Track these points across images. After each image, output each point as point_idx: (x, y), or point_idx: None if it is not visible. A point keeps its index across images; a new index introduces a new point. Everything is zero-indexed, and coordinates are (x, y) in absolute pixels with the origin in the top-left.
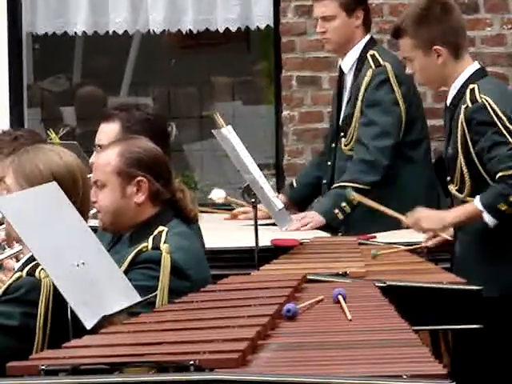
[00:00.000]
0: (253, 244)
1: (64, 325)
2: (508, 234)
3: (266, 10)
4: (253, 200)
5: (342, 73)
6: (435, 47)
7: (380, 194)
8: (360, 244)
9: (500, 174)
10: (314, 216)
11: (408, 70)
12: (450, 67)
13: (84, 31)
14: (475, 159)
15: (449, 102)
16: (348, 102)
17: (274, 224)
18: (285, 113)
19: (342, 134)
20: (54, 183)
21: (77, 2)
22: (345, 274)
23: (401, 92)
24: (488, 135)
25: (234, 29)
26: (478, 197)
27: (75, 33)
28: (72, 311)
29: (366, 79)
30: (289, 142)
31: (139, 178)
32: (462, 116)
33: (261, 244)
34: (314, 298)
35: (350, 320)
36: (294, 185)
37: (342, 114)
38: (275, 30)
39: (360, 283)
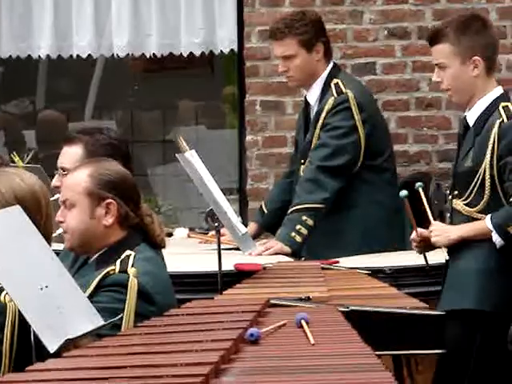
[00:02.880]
0: (216, 268)
1: (28, 348)
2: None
3: (230, 35)
4: (216, 224)
5: (307, 103)
6: (475, 58)
7: (342, 217)
8: (323, 269)
9: None
10: (275, 242)
11: (435, 78)
12: (481, 82)
13: (48, 55)
14: (495, 174)
15: (473, 118)
16: (310, 130)
17: (237, 248)
18: (248, 137)
19: (303, 160)
20: (18, 207)
21: (41, 26)
22: (308, 299)
23: (361, 118)
24: None
25: (197, 53)
26: (489, 216)
27: (39, 56)
28: (35, 335)
29: (327, 107)
30: (252, 166)
31: (109, 201)
32: (495, 130)
33: (224, 268)
34: (277, 322)
35: (313, 344)
36: (265, 210)
37: (305, 141)
38: (239, 54)
39: (323, 308)
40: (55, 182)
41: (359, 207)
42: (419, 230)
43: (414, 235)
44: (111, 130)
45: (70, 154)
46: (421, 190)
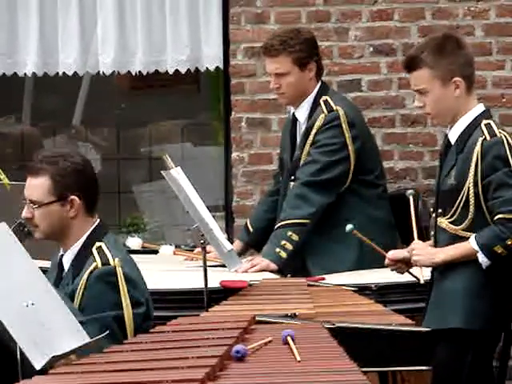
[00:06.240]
0: (202, 285)
1: (14, 365)
2: (495, 271)
3: (216, 52)
4: (202, 241)
5: (295, 121)
6: (455, 79)
7: (336, 232)
8: (309, 285)
9: (500, 215)
10: (261, 259)
11: (416, 103)
12: (462, 101)
13: (34, 72)
14: (480, 192)
15: (455, 136)
16: (299, 147)
17: (223, 265)
18: (234, 154)
19: (292, 177)
20: (3, 223)
21: (27, 43)
22: (294, 316)
23: (352, 135)
24: (499, 173)
25: (183, 70)
26: (473, 236)
27: (25, 74)
28: (21, 351)
29: (318, 123)
30: (238, 183)
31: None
32: (478, 148)
33: (210, 285)
34: (263, 339)
35: (299, 361)
36: (250, 229)
37: (294, 158)
38: (225, 71)
39: (309, 324)
40: (25, 214)
41: (354, 222)
42: (391, 253)
43: (386, 261)
44: (74, 155)
45: (38, 186)
46: (411, 198)
